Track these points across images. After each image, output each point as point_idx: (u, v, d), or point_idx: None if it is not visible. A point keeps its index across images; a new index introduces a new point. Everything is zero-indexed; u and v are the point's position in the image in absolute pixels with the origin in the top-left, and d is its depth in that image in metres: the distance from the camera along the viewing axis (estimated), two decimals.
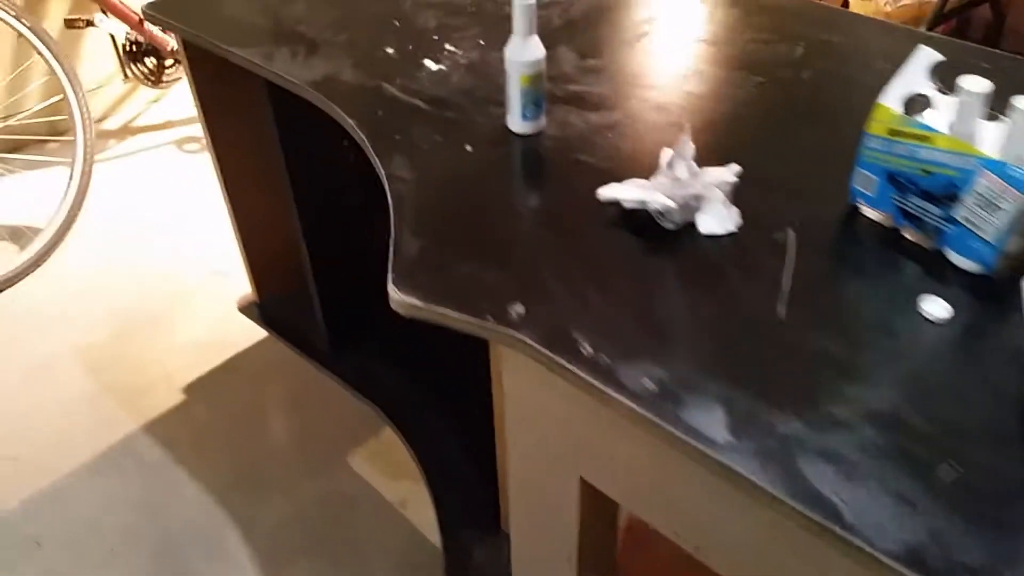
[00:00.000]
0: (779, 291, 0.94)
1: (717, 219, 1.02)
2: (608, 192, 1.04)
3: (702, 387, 0.83)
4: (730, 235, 1.02)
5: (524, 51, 1.11)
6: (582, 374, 0.85)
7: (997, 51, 1.38)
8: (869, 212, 1.05)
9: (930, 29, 3.04)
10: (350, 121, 1.22)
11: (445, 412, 1.84)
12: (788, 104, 1.26)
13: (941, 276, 0.96)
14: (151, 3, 1.54)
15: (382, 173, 1.12)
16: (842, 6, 3.25)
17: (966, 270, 0.96)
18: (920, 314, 0.91)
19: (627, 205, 1.03)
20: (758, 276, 0.97)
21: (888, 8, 3.08)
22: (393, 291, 0.95)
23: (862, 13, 2.81)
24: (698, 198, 1.02)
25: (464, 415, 1.82)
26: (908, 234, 1.02)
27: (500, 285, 0.96)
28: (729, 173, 1.06)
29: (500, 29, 1.46)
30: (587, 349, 0.87)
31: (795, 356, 0.87)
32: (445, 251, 1.01)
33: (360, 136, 1.20)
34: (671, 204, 1.00)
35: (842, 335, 0.89)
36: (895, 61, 1.35)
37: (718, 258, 0.99)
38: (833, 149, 1.16)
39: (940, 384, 0.83)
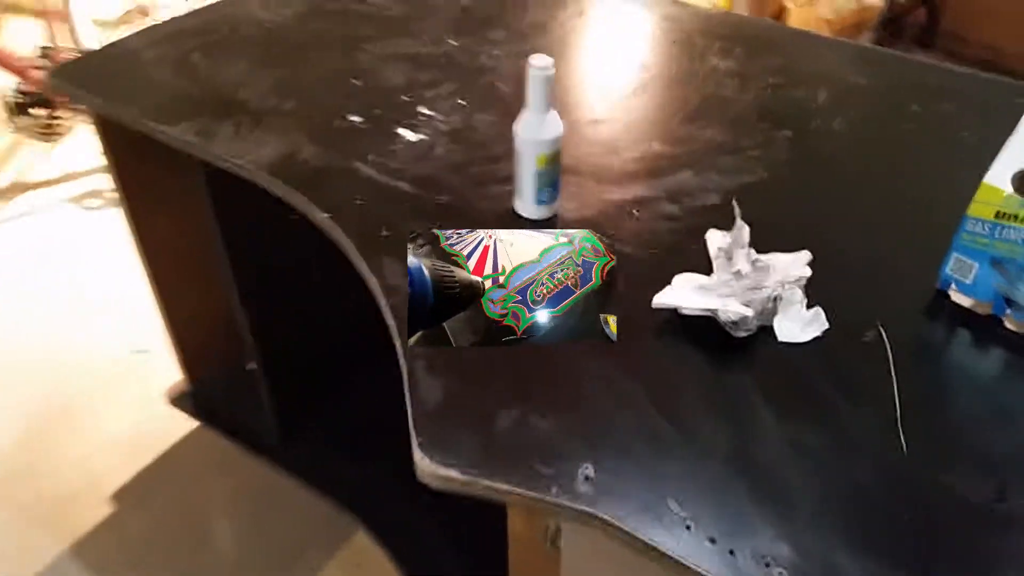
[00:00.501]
0: (894, 417, 0.78)
1: (799, 324, 0.85)
2: (666, 300, 0.85)
3: (844, 570, 0.66)
4: (813, 340, 0.85)
5: (541, 128, 0.91)
6: (693, 565, 0.66)
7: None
8: (960, 299, 0.89)
9: (877, 39, 3.01)
10: (322, 215, 1.00)
11: (428, 506, 1.62)
12: (829, 164, 1.10)
13: None
14: (58, 70, 1.27)
15: (374, 285, 0.90)
16: (778, 13, 3.18)
17: None
18: None
19: (689, 312, 0.85)
20: (859, 393, 0.80)
21: (829, 16, 3.01)
22: (421, 459, 0.74)
23: (801, 27, 2.74)
24: (774, 299, 0.85)
25: (450, 507, 1.61)
26: (1009, 323, 0.87)
27: (555, 436, 0.76)
28: (800, 263, 0.89)
29: (478, 83, 1.26)
30: (689, 524, 0.69)
31: (937, 507, 0.70)
32: (475, 391, 0.80)
33: (338, 234, 0.97)
34: (748, 313, 0.82)
35: (980, 471, 0.73)
36: (926, 104, 1.23)
37: (807, 372, 0.82)
38: (895, 220, 1.01)
39: None
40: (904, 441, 0.76)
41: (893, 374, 0.81)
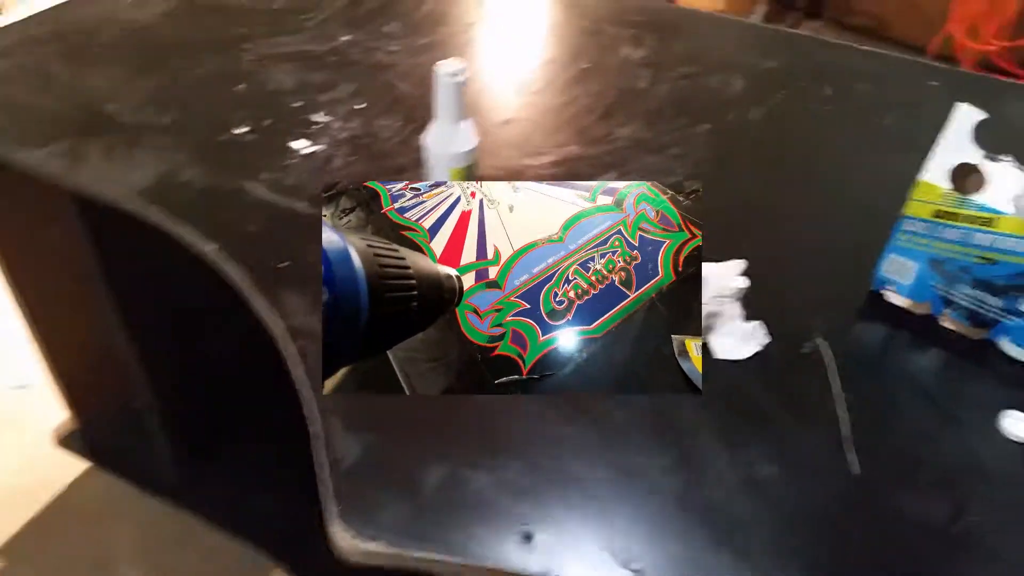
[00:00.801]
0: (840, 434, 0.74)
1: (736, 339, 0.80)
2: None
3: None
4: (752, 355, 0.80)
5: (454, 140, 0.82)
6: None
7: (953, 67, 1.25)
8: (896, 300, 0.86)
9: (769, 11, 3.02)
10: (209, 246, 0.89)
11: None
12: (751, 159, 1.06)
13: (1001, 373, 0.80)
14: None
15: (275, 327, 0.80)
16: None
17: None
18: (1004, 435, 0.74)
19: None
20: (805, 411, 0.76)
21: None
22: (339, 534, 0.65)
23: (697, 6, 2.71)
24: (712, 315, 0.79)
25: None
26: (947, 323, 0.85)
27: (488, 493, 0.69)
28: (734, 272, 0.83)
29: (376, 83, 1.16)
30: None
31: (894, 532, 0.67)
32: (397, 446, 0.72)
33: (230, 267, 0.87)
34: None
35: (934, 487, 0.70)
36: (839, 87, 1.20)
37: (750, 391, 0.77)
38: (823, 215, 0.98)
39: None
40: (854, 460, 0.72)
41: (836, 389, 0.77)
